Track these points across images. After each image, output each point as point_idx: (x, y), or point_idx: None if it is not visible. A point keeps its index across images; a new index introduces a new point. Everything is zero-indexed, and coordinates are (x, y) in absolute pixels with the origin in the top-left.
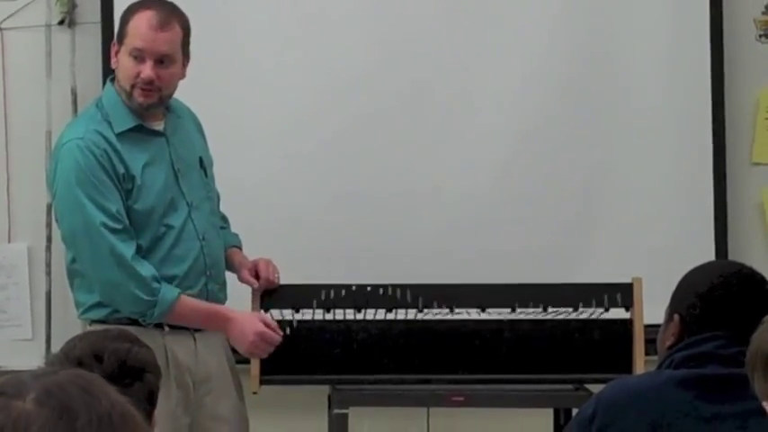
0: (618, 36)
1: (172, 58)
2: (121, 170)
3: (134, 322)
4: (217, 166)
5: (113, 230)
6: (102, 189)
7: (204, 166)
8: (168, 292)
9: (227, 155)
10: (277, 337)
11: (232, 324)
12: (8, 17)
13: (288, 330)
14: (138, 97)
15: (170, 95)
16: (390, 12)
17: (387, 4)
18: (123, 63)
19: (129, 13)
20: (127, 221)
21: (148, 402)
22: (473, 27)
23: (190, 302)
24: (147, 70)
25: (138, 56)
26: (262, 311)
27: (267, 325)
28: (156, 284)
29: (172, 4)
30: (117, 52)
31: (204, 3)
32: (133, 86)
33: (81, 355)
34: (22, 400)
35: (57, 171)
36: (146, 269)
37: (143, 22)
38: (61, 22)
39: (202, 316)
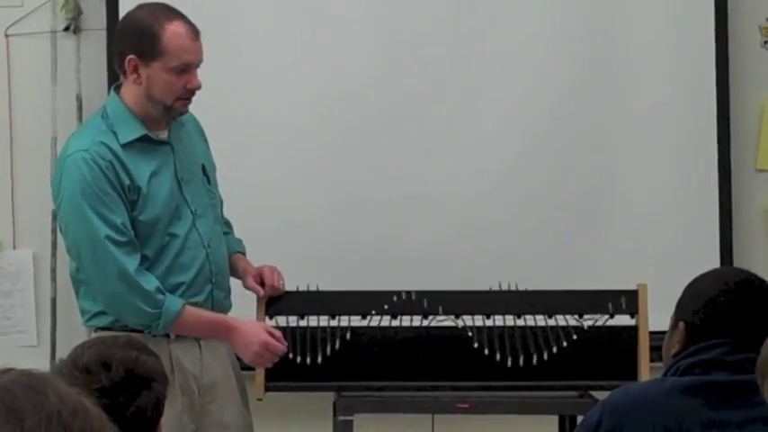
0: (623, 43)
1: None
2: (127, 182)
3: (139, 330)
4: (221, 172)
5: (118, 243)
6: (107, 201)
7: (207, 172)
8: (172, 303)
9: (232, 160)
10: (282, 347)
11: (237, 334)
12: (14, 23)
13: (291, 340)
14: (181, 108)
15: None
16: (395, 17)
17: (391, 9)
18: (162, 79)
19: (155, 28)
20: (132, 234)
21: (155, 411)
22: (477, 33)
23: (194, 313)
24: (196, 80)
25: (185, 69)
26: (267, 320)
27: (272, 335)
28: (160, 296)
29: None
30: (136, 67)
31: (209, 6)
32: (176, 99)
33: (88, 363)
34: None
35: (62, 183)
36: (149, 282)
37: (183, 36)
38: (67, 29)
39: (207, 326)
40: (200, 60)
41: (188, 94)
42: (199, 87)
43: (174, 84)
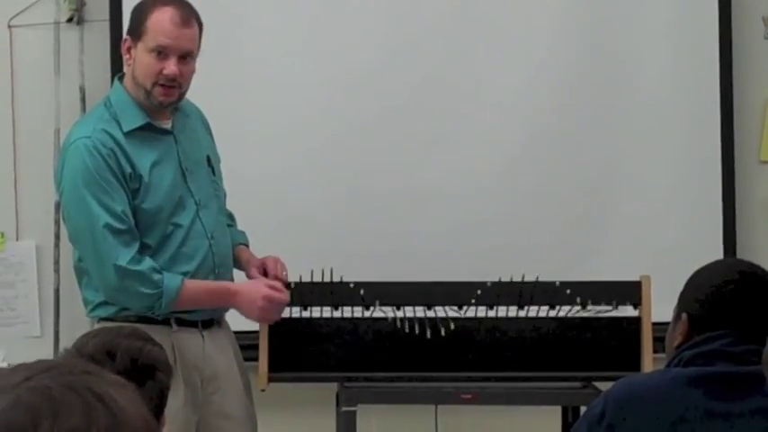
0: (626, 35)
1: (192, 54)
2: (128, 170)
3: (142, 320)
4: (225, 164)
5: (116, 232)
6: (108, 189)
7: (212, 164)
8: (171, 280)
9: (236, 152)
10: (284, 296)
11: (239, 296)
12: (17, 14)
13: (294, 331)
14: (159, 96)
15: (186, 92)
16: (398, 9)
17: (394, 2)
18: (143, 60)
19: (146, 9)
20: (132, 222)
21: (159, 401)
22: (480, 25)
23: (194, 285)
24: (171, 66)
25: (162, 52)
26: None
27: (272, 288)
28: (156, 275)
29: (186, 0)
30: (129, 48)
31: None
32: (154, 84)
33: (93, 352)
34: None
35: (64, 171)
36: (144, 264)
37: (166, 19)
38: (70, 20)
39: (209, 295)
40: (182, 49)
41: (165, 81)
42: (172, 75)
43: (150, 66)
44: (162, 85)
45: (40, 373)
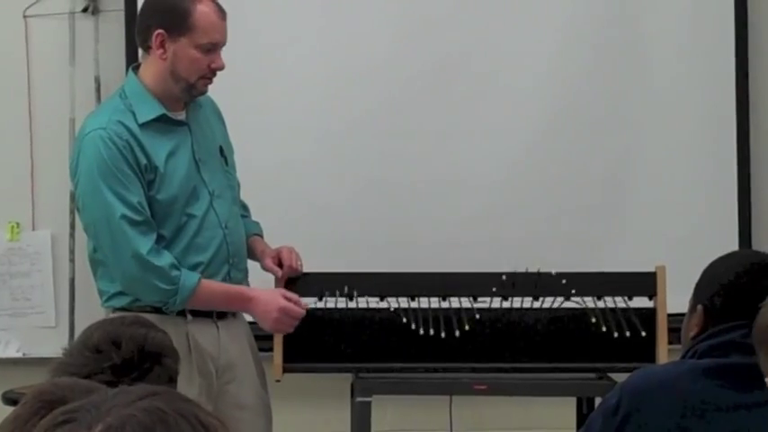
0: (643, 24)
1: None
2: (143, 161)
3: (157, 310)
4: (239, 154)
5: (133, 223)
6: (123, 180)
7: (225, 154)
8: (188, 278)
9: (250, 142)
10: (300, 310)
11: (254, 303)
12: (32, 4)
13: (309, 321)
14: (203, 87)
15: None
16: None
17: None
18: (188, 55)
19: (184, 3)
20: (148, 213)
21: (168, 386)
22: (495, 15)
23: (211, 286)
24: (220, 61)
25: (212, 48)
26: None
27: (289, 299)
28: (175, 272)
29: None
30: (163, 42)
31: None
32: (200, 77)
33: (99, 343)
34: (90, 430)
35: (79, 162)
36: (163, 259)
37: (213, 15)
38: (85, 10)
39: (225, 298)
40: (225, 41)
41: (211, 74)
42: (223, 68)
43: (199, 61)
44: (207, 78)
45: (150, 396)
